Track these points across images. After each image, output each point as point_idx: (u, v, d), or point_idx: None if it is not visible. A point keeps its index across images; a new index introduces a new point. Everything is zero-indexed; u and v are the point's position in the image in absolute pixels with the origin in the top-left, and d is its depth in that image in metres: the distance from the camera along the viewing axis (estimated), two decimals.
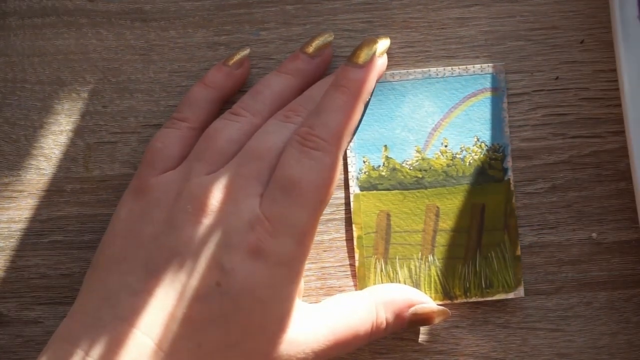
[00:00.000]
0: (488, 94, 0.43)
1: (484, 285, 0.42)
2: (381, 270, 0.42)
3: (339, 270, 0.43)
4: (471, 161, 0.42)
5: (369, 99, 0.42)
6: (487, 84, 0.43)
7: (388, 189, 0.43)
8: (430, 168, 0.43)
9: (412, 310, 0.41)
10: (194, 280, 0.36)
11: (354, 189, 0.43)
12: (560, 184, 0.43)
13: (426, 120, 0.43)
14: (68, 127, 0.44)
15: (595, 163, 0.43)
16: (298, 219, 0.37)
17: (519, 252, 0.42)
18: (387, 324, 0.40)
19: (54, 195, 0.43)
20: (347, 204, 0.43)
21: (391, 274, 0.42)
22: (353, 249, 0.43)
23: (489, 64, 0.43)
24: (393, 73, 0.43)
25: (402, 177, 0.43)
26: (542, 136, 0.43)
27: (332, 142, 0.38)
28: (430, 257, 0.42)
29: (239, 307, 0.36)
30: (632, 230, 0.42)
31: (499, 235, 0.42)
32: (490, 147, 0.43)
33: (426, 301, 0.41)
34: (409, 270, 0.42)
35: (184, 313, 0.36)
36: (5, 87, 0.44)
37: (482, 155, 0.42)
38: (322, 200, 0.38)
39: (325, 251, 0.43)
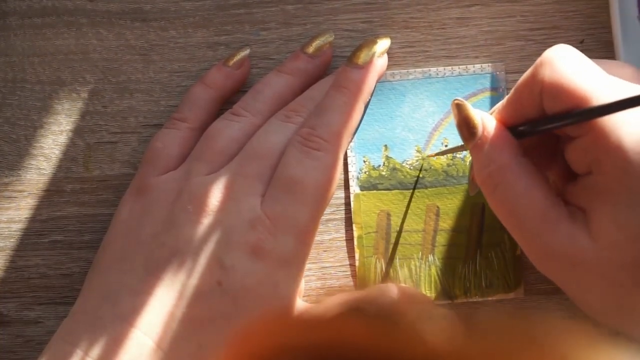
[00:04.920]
0: (488, 94, 0.43)
1: (484, 285, 0.42)
2: (381, 270, 0.42)
3: (339, 270, 0.43)
4: (471, 161, 0.42)
5: (369, 99, 0.42)
6: (487, 83, 0.43)
7: (388, 189, 0.43)
8: (430, 168, 0.43)
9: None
10: (195, 280, 0.36)
11: (354, 188, 0.43)
12: None
13: (426, 120, 0.43)
14: (68, 127, 0.44)
15: None
16: (299, 218, 0.37)
17: (519, 252, 0.42)
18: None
19: (54, 195, 0.43)
20: (347, 203, 0.43)
21: (391, 274, 0.42)
22: (353, 249, 0.43)
23: (489, 64, 0.43)
24: (393, 73, 0.43)
25: (403, 176, 0.43)
26: None
27: (333, 142, 0.38)
28: (431, 257, 0.42)
29: (240, 306, 0.36)
30: None
31: (499, 235, 0.42)
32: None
33: (427, 301, 0.41)
34: (409, 270, 0.42)
35: (185, 312, 0.36)
36: (5, 87, 0.44)
37: None
38: (323, 199, 0.38)
39: (325, 251, 0.43)
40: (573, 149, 0.35)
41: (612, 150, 0.33)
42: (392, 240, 0.42)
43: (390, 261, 0.42)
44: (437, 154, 0.42)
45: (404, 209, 0.43)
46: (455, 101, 0.37)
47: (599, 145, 0.33)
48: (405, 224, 0.42)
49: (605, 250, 0.34)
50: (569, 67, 0.34)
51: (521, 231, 0.36)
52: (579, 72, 0.34)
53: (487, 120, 0.37)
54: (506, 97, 0.37)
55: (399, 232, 0.42)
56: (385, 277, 0.43)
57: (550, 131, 0.36)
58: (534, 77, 0.35)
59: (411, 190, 0.43)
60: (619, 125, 0.33)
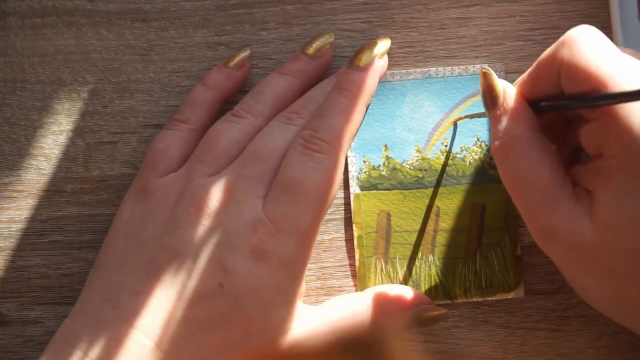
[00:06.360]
0: None
1: (484, 285, 0.42)
2: (381, 270, 0.42)
3: (339, 270, 0.43)
4: (471, 161, 0.42)
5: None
6: None
7: (388, 189, 0.43)
8: (430, 168, 0.43)
9: (412, 312, 0.41)
10: (197, 281, 0.36)
11: (354, 188, 0.43)
12: None
13: (426, 120, 0.43)
14: (68, 127, 0.44)
15: None
16: (301, 220, 0.37)
17: (519, 252, 0.42)
18: (387, 325, 0.40)
19: (54, 195, 0.43)
20: (347, 204, 0.43)
21: (391, 274, 0.42)
22: (353, 249, 0.43)
23: (489, 64, 0.43)
24: (393, 73, 0.43)
25: (402, 176, 0.43)
26: None
27: (334, 145, 0.38)
28: (431, 257, 0.42)
29: (241, 307, 0.36)
30: None
31: (499, 235, 0.42)
32: (490, 146, 0.43)
33: (427, 303, 0.41)
34: (409, 270, 0.42)
35: (185, 313, 0.36)
36: (5, 87, 0.44)
37: (482, 155, 0.43)
38: (324, 201, 0.38)
39: (325, 251, 0.43)
40: (586, 131, 0.35)
41: (622, 135, 0.33)
42: (392, 240, 0.42)
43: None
44: (466, 117, 0.42)
45: (405, 209, 0.43)
46: (483, 69, 0.38)
47: (610, 129, 0.33)
48: (405, 224, 0.42)
49: (603, 233, 0.34)
50: (588, 49, 0.34)
51: (524, 206, 0.36)
52: (598, 55, 0.34)
53: (508, 91, 0.37)
54: (528, 71, 0.37)
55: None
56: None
57: (568, 109, 0.36)
58: (554, 55, 0.35)
59: (412, 190, 0.43)
60: (632, 111, 0.33)
